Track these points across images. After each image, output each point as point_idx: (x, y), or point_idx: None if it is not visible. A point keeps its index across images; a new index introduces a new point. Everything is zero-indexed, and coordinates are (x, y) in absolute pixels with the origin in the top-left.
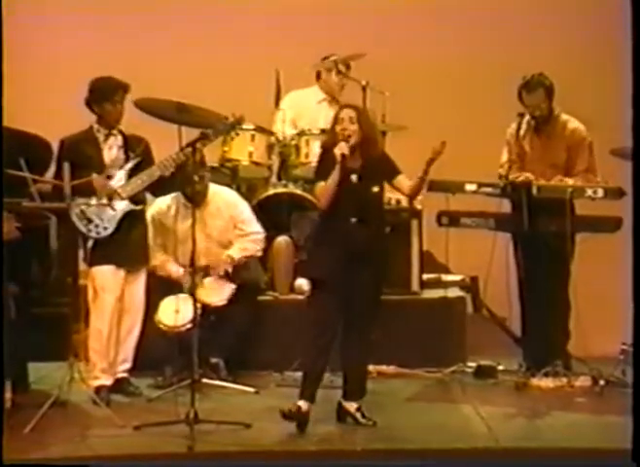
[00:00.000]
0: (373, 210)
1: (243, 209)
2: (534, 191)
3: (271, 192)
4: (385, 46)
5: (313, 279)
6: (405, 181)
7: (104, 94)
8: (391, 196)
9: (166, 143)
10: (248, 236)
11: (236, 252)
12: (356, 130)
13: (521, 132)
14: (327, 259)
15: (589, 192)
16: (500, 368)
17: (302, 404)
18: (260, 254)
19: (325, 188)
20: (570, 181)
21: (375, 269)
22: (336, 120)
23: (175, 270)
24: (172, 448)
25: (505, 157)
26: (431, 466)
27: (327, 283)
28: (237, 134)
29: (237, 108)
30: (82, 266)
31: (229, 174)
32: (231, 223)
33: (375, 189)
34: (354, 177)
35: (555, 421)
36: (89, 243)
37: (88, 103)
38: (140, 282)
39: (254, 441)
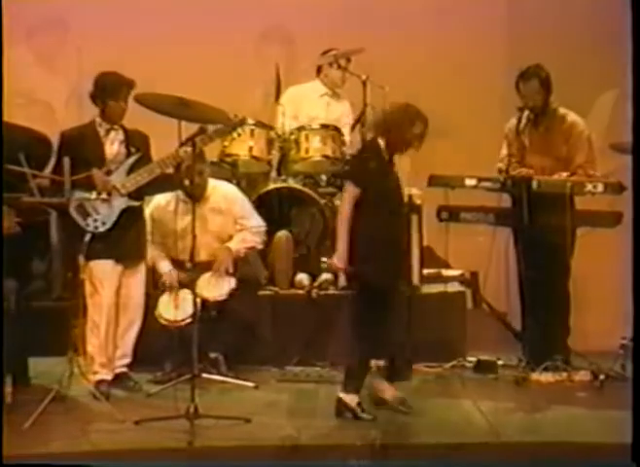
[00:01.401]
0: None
1: (242, 204)
2: (534, 185)
3: (271, 187)
4: (385, 41)
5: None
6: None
7: (108, 91)
8: None
9: (166, 138)
10: (248, 230)
11: (235, 243)
12: None
13: (521, 126)
14: (383, 262)
15: (590, 186)
16: (500, 362)
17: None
18: (261, 246)
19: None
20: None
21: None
22: (409, 126)
23: (164, 268)
24: (172, 442)
25: (504, 151)
26: (431, 461)
27: (377, 285)
28: (239, 135)
29: (238, 103)
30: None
31: (228, 169)
32: (230, 217)
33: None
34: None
35: (555, 416)
36: (87, 237)
37: (93, 97)
38: (139, 277)
39: (254, 436)
